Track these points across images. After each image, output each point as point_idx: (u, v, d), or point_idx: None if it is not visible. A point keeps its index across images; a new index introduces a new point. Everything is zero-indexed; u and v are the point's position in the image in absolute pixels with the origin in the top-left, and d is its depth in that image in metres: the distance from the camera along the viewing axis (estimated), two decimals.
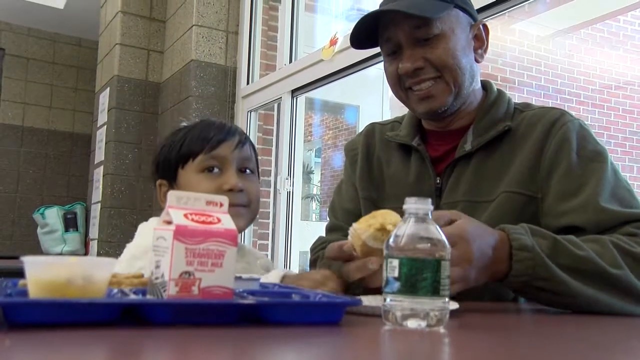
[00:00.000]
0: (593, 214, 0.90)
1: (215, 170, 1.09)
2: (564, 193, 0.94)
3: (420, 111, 1.07)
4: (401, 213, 0.65)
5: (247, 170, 1.13)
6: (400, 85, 1.06)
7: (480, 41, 1.06)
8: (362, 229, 0.80)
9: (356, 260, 0.82)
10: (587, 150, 0.97)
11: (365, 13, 1.06)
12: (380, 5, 1.06)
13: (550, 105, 1.09)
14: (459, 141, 1.06)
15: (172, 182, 1.12)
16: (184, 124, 1.18)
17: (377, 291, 0.81)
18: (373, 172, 1.19)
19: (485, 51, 1.07)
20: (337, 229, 1.21)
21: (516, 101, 1.12)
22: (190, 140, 1.10)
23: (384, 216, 0.80)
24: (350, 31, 1.09)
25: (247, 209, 1.10)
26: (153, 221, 1.14)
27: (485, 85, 1.13)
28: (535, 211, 0.96)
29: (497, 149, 1.03)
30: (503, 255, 0.80)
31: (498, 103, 1.08)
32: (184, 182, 1.10)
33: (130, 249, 1.08)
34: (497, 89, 1.12)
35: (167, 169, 1.12)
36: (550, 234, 0.84)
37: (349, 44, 1.14)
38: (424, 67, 1.02)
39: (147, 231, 1.09)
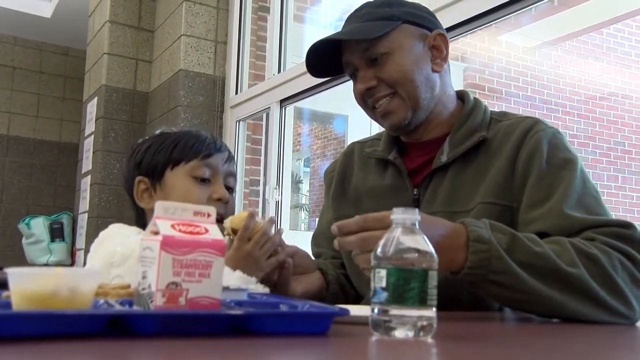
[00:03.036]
0: (557, 220, 0.91)
1: (206, 179, 1.11)
2: (533, 201, 0.96)
3: (385, 127, 1.12)
4: None
5: (229, 188, 1.16)
6: (366, 105, 1.10)
7: (439, 51, 1.08)
8: None
9: None
10: (557, 158, 0.98)
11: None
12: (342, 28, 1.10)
13: (526, 115, 1.09)
14: (436, 152, 1.07)
15: (156, 181, 1.13)
16: (166, 130, 1.19)
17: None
18: (349, 189, 1.21)
19: (444, 60, 1.08)
20: (320, 255, 1.24)
21: (494, 110, 1.13)
22: (185, 145, 1.12)
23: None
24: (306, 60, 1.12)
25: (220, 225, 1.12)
26: (114, 227, 1.13)
27: (462, 96, 1.14)
28: (512, 220, 0.97)
29: (473, 159, 1.04)
30: (457, 244, 0.81)
31: (474, 113, 1.09)
32: (171, 183, 1.11)
33: (103, 255, 1.05)
34: (474, 98, 1.13)
35: (153, 169, 1.13)
36: (510, 230, 0.85)
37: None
38: (378, 86, 1.06)
39: (115, 237, 1.08)
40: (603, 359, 0.59)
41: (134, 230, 1.11)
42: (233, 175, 1.16)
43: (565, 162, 0.97)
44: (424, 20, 1.08)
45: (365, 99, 1.08)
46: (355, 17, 1.08)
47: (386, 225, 0.64)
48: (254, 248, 0.96)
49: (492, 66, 5.75)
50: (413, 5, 1.10)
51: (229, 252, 0.97)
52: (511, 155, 1.01)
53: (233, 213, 1.14)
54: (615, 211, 6.00)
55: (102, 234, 1.12)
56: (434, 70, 1.07)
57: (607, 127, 6.41)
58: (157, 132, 1.20)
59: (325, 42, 1.07)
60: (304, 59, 1.11)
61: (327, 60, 1.10)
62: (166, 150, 1.12)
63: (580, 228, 0.89)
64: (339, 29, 1.10)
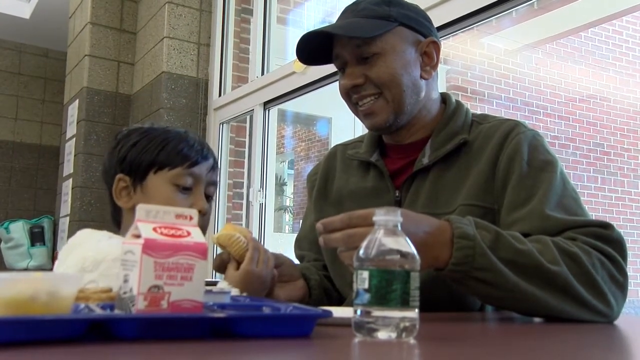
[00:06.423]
0: (538, 221, 0.92)
1: (188, 188, 1.11)
2: (514, 203, 0.97)
3: (366, 126, 1.12)
4: None
5: (209, 197, 1.16)
6: (350, 100, 1.10)
7: (430, 58, 1.08)
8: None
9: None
10: (537, 160, 0.99)
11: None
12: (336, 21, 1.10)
13: (508, 117, 1.10)
14: (418, 154, 1.08)
15: (138, 181, 1.11)
16: (155, 126, 1.16)
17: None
18: (331, 192, 1.21)
19: (433, 68, 1.09)
20: (303, 258, 1.24)
21: (475, 112, 1.14)
22: (171, 150, 1.10)
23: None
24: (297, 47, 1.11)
25: None
26: (83, 233, 1.11)
27: (445, 98, 1.15)
28: (494, 222, 0.97)
29: (454, 162, 1.05)
30: (442, 241, 0.81)
31: (455, 116, 1.10)
32: (153, 187, 1.10)
33: (74, 262, 1.03)
34: (456, 101, 1.14)
35: (136, 169, 1.11)
36: (494, 227, 0.85)
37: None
38: (365, 84, 1.06)
39: (85, 244, 1.06)
40: (582, 358, 0.60)
41: (104, 234, 1.09)
42: (214, 184, 1.16)
43: (546, 164, 0.99)
44: (420, 26, 1.08)
45: (350, 95, 1.09)
46: (353, 10, 1.07)
47: (371, 223, 0.65)
48: (251, 264, 0.99)
49: (474, 68, 5.81)
50: (411, 8, 1.10)
51: (228, 272, 1.00)
52: (492, 157, 1.02)
53: (209, 222, 1.16)
54: (595, 211, 6.09)
55: (70, 240, 1.11)
56: (422, 77, 1.08)
57: (587, 128, 6.51)
58: (146, 125, 1.16)
59: (319, 32, 1.06)
60: (295, 50, 1.09)
61: (318, 48, 1.10)
62: (152, 151, 1.10)
63: (561, 229, 0.91)
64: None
